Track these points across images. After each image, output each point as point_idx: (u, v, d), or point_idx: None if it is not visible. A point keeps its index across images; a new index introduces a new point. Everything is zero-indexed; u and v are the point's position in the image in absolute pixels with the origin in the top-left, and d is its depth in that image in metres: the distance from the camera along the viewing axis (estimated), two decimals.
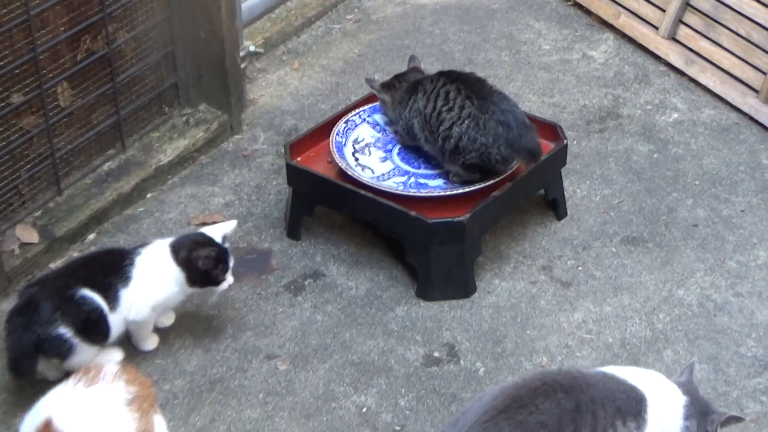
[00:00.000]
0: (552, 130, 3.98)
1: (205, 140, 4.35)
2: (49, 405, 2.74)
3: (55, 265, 3.82)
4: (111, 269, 3.41)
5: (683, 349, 3.56)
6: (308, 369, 3.50)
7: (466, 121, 3.70)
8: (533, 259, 3.89)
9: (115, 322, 3.39)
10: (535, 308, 3.71)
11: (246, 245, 3.98)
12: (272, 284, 3.82)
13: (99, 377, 2.81)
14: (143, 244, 3.50)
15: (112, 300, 3.37)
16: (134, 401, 2.81)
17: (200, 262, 3.43)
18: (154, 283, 3.43)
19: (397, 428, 3.31)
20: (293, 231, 4.00)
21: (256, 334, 3.63)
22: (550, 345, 3.57)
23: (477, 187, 3.76)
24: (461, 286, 3.75)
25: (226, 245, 3.51)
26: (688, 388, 3.06)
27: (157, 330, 3.59)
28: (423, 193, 3.79)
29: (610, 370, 3.04)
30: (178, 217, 4.10)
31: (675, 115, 4.52)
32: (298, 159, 3.97)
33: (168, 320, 3.62)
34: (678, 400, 3.00)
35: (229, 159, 4.35)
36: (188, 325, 3.65)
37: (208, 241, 3.48)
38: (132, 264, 3.42)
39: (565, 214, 4.06)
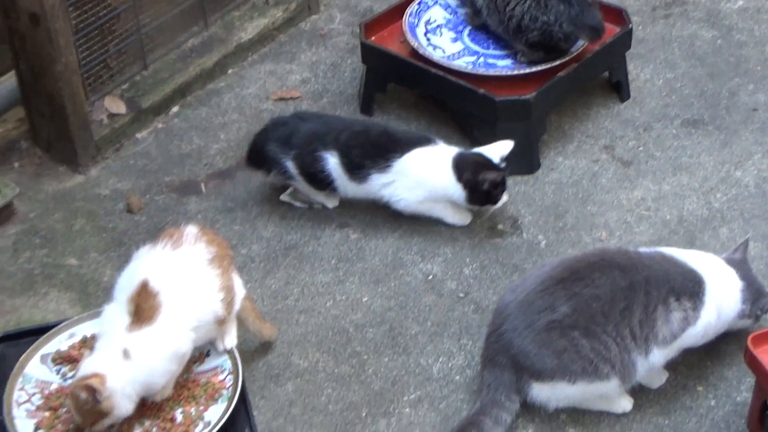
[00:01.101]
0: (617, 15, 4.10)
1: (283, 20, 4.53)
2: (143, 268, 2.94)
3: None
4: (375, 149, 3.61)
5: (738, 227, 3.69)
6: (378, 237, 3.70)
7: (528, 0, 3.84)
8: (595, 138, 4.04)
9: (344, 186, 3.64)
10: (596, 185, 3.86)
11: None
12: None
13: (182, 240, 3.02)
14: (419, 142, 3.65)
15: (358, 176, 3.61)
16: (215, 260, 3.02)
17: (486, 184, 3.56)
18: (423, 186, 3.62)
19: (461, 295, 3.51)
20: (366, 107, 4.18)
21: (339, 206, 3.82)
22: (610, 220, 3.73)
23: (543, 67, 3.91)
24: (526, 163, 3.91)
25: (503, 165, 3.63)
26: (744, 271, 3.20)
27: (238, 200, 3.81)
28: (491, 72, 3.94)
29: (670, 251, 3.18)
30: (257, 92, 4.29)
31: (740, 3, 4.60)
32: (373, 38, 4.13)
33: None
34: (735, 284, 3.15)
35: (306, 38, 4.52)
36: (266, 194, 3.86)
37: (491, 164, 3.60)
38: (398, 156, 3.60)
39: (628, 97, 4.19)
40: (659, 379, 3.20)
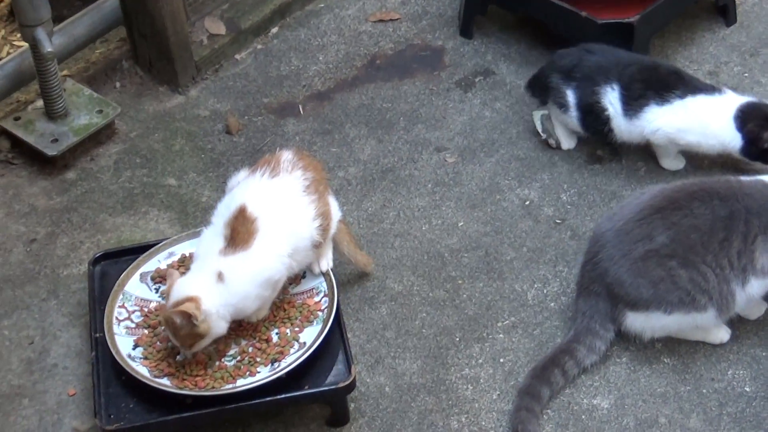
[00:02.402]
0: None
1: None
2: (241, 194, 2.97)
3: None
4: (659, 84, 3.50)
5: None
6: (475, 162, 3.69)
7: None
8: (699, 64, 3.95)
9: (622, 127, 3.54)
10: None
11: (420, 42, 4.14)
12: (444, 80, 3.99)
13: (280, 167, 3.03)
14: (706, 89, 3.51)
15: (633, 110, 3.51)
16: (311, 185, 3.03)
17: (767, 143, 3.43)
18: (696, 124, 3.47)
19: (558, 221, 3.48)
20: (466, 29, 4.14)
21: (426, 127, 3.81)
22: None
23: None
24: None
25: None
26: None
27: (335, 122, 3.82)
28: None
29: None
30: (356, 13, 4.27)
31: None
32: None
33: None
34: None
35: None
36: (363, 117, 3.86)
37: None
38: (680, 96, 3.48)
39: (735, 21, 4.08)
40: (758, 310, 3.15)
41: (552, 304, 3.24)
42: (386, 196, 3.59)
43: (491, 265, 3.36)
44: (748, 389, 3.01)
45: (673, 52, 4.00)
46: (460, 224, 3.49)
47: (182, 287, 2.85)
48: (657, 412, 2.97)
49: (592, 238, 3.12)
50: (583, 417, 2.98)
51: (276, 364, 2.91)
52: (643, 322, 3.01)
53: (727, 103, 3.46)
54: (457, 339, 3.18)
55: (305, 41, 4.16)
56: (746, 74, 3.89)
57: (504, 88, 3.93)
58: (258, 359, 2.94)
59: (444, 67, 4.04)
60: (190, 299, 2.80)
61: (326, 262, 3.11)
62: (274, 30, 4.20)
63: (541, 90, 3.69)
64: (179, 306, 2.80)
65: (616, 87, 3.52)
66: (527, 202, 3.54)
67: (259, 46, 4.15)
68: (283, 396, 2.88)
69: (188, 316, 2.78)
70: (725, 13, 4.08)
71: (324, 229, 3.03)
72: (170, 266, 3.14)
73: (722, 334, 3.10)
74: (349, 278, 3.32)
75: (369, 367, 3.13)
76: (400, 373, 3.11)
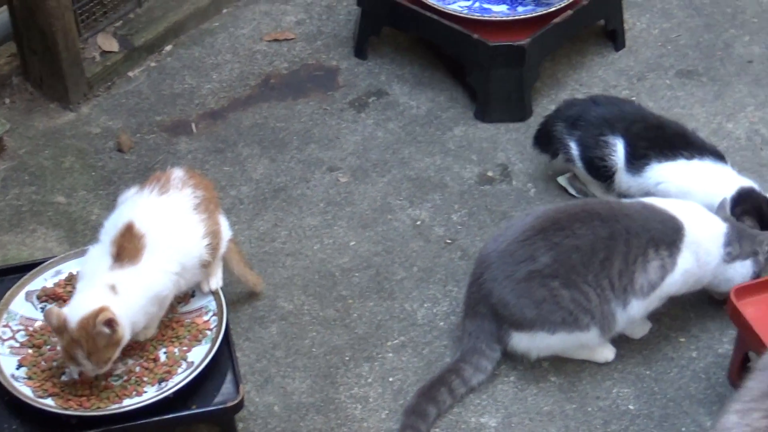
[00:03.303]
0: None
1: None
2: (129, 210, 2.94)
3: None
4: (664, 144, 3.43)
5: None
6: (367, 182, 3.70)
7: None
8: (589, 87, 4.02)
9: (624, 179, 3.48)
10: None
11: (315, 62, 4.15)
12: (338, 100, 4.00)
13: (169, 184, 3.02)
14: (712, 155, 3.43)
15: (638, 168, 3.45)
16: (201, 203, 3.01)
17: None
18: (689, 191, 3.37)
19: (448, 241, 3.51)
20: (360, 50, 4.16)
21: (320, 147, 3.82)
22: None
23: (539, 13, 3.88)
24: (518, 110, 3.90)
25: None
26: (730, 218, 3.21)
27: (228, 141, 3.82)
28: (486, 17, 3.91)
29: (651, 200, 3.19)
30: (251, 32, 4.27)
31: None
32: None
33: None
34: (718, 229, 3.14)
35: None
36: (256, 136, 3.85)
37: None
38: (686, 158, 3.40)
39: (623, 46, 4.16)
40: (642, 329, 3.21)
41: (441, 324, 3.27)
42: (278, 215, 3.59)
43: (382, 285, 3.38)
44: (631, 407, 3.05)
45: (564, 75, 4.06)
46: (351, 244, 3.50)
47: (80, 305, 2.79)
48: (543, 431, 3.01)
49: (477, 259, 3.15)
50: None
51: (163, 384, 2.89)
52: (528, 342, 3.04)
53: (729, 181, 3.38)
54: (347, 358, 3.19)
55: (199, 59, 4.15)
56: (634, 98, 3.96)
57: (397, 108, 3.96)
58: (145, 379, 2.91)
59: (338, 87, 4.05)
60: (100, 310, 2.75)
61: (216, 281, 3.10)
62: (168, 48, 4.18)
63: (547, 142, 3.63)
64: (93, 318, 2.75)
65: (621, 141, 3.47)
66: (418, 222, 3.57)
67: (153, 64, 4.13)
68: (170, 416, 2.85)
69: (111, 322, 2.74)
70: (614, 38, 4.16)
71: (213, 248, 3.02)
72: (58, 285, 3.10)
73: (607, 353, 3.14)
74: (239, 297, 3.31)
75: (258, 386, 3.12)
76: (290, 392, 3.11)
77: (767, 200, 3.35)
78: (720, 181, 3.37)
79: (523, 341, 3.05)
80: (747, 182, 3.38)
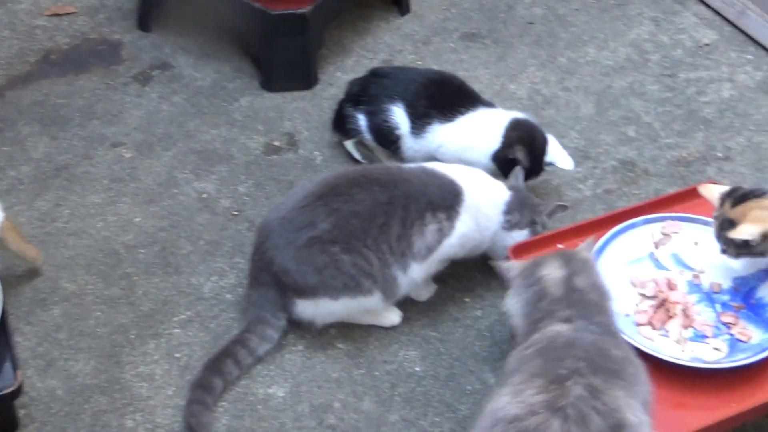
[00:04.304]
0: None
1: None
2: None
3: None
4: (445, 102, 3.42)
5: None
6: (152, 157, 3.64)
7: None
8: (375, 53, 4.03)
9: (410, 145, 3.47)
10: None
11: (97, 36, 4.07)
12: (121, 74, 3.92)
13: None
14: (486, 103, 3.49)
15: (419, 129, 3.44)
16: None
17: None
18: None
19: (235, 213, 3.48)
20: (144, 23, 4.09)
21: (102, 122, 3.74)
22: None
23: None
24: (303, 78, 3.89)
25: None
26: (516, 186, 3.24)
27: (7, 120, 3.70)
28: None
29: (432, 165, 3.20)
30: (30, 7, 4.17)
31: None
32: None
33: None
34: (500, 196, 3.18)
35: None
36: (36, 114, 3.75)
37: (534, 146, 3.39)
38: (461, 114, 3.42)
39: (408, 10, 4.19)
40: (427, 292, 3.24)
41: (228, 296, 3.24)
42: (60, 194, 3.50)
43: (168, 260, 3.33)
44: (418, 369, 3.08)
45: (349, 41, 4.06)
46: (136, 220, 3.44)
47: None
48: (332, 397, 3.01)
49: (259, 228, 3.13)
50: (259, 407, 2.98)
51: None
52: (313, 309, 3.04)
53: (505, 115, 3.44)
54: (133, 336, 3.13)
55: None
56: (419, 62, 3.99)
57: (182, 81, 3.90)
58: None
59: (121, 61, 3.97)
60: None
61: None
62: None
63: (342, 123, 3.61)
64: None
65: (401, 105, 3.47)
66: (204, 195, 3.52)
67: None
68: None
69: None
70: (399, 3, 4.18)
71: None
72: None
73: (393, 317, 3.16)
74: (18, 280, 3.22)
75: (40, 371, 3.04)
76: (73, 375, 3.04)
77: (541, 131, 3.41)
78: (495, 121, 3.41)
79: (307, 308, 3.04)
80: (521, 115, 3.44)
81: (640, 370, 2.47)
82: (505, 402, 2.32)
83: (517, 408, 2.29)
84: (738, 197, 2.82)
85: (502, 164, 3.37)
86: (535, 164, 3.37)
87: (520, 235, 3.18)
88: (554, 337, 2.48)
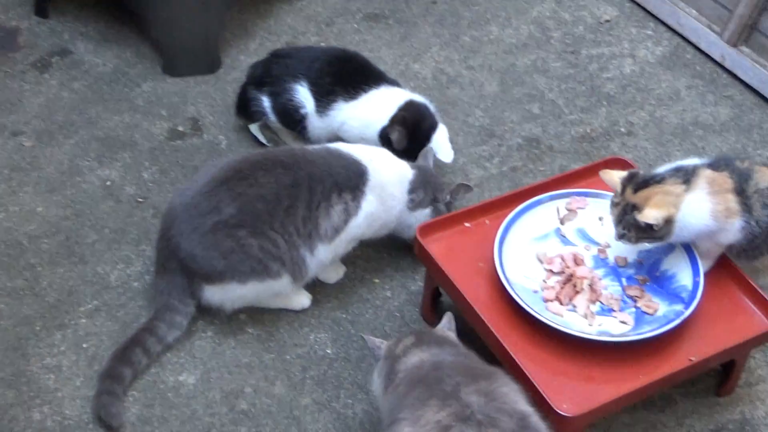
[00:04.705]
0: None
1: None
2: None
3: None
4: (349, 80, 3.39)
5: None
6: (54, 145, 3.58)
7: None
8: (278, 35, 4.00)
9: (315, 124, 3.44)
10: None
11: None
12: (19, 62, 3.85)
13: None
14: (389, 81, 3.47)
15: (324, 107, 3.40)
16: None
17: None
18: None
19: (140, 200, 3.44)
20: (41, 8, 4.01)
21: (1, 111, 3.67)
22: None
23: None
24: (206, 62, 3.85)
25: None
26: (421, 166, 3.25)
27: None
28: None
29: (336, 145, 3.18)
30: None
31: None
32: None
33: None
34: (404, 175, 3.17)
35: None
36: None
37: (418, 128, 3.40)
38: (364, 91, 3.40)
39: None
40: (337, 274, 3.23)
41: (135, 284, 3.20)
42: None
43: (72, 250, 3.28)
44: (329, 351, 3.07)
45: (252, 24, 4.03)
46: (39, 209, 3.38)
47: None
48: (243, 383, 2.99)
49: (164, 213, 3.09)
50: (170, 395, 2.95)
51: None
52: (221, 295, 3.01)
53: (404, 96, 3.43)
54: (38, 328, 3.08)
55: None
56: (323, 43, 3.97)
57: (82, 67, 3.84)
58: None
59: (18, 48, 3.90)
60: None
61: None
62: None
63: (245, 107, 3.57)
64: None
65: (305, 84, 3.44)
66: (108, 183, 3.48)
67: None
68: None
69: None
70: None
71: None
72: None
73: (303, 300, 3.15)
74: None
75: None
76: None
77: (430, 117, 3.41)
78: (392, 100, 3.40)
79: (216, 294, 3.01)
80: (420, 99, 3.43)
81: (502, 372, 2.52)
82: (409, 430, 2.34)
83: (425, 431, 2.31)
84: (640, 183, 2.85)
85: (385, 143, 3.37)
86: (413, 147, 3.37)
87: (423, 215, 3.19)
88: (418, 365, 2.53)
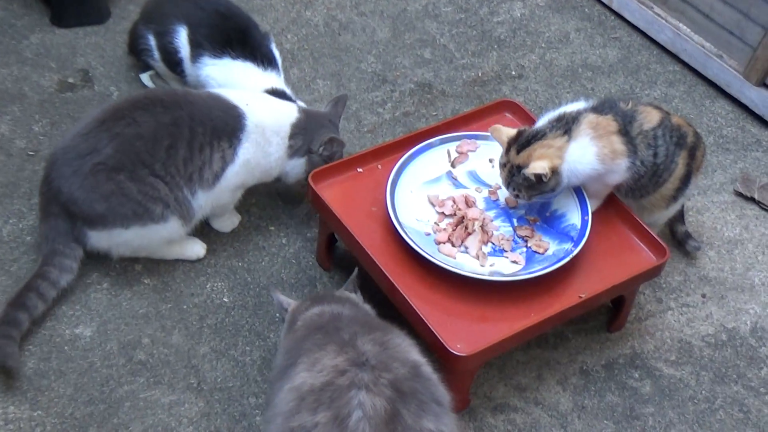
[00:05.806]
0: None
1: None
2: None
3: None
4: (221, 38, 3.34)
5: (309, 66, 3.76)
6: None
7: None
8: None
9: (188, 71, 3.41)
10: None
11: None
12: None
13: None
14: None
15: (194, 56, 3.36)
16: None
17: None
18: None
19: (31, 153, 3.40)
20: None
21: None
22: None
23: None
24: (95, 12, 3.80)
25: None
26: (309, 111, 3.20)
27: None
28: None
29: (219, 91, 3.11)
30: None
31: None
32: None
33: None
34: (285, 120, 3.11)
35: None
36: None
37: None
38: (231, 57, 3.34)
39: None
40: (231, 223, 3.24)
41: (28, 239, 3.17)
42: None
43: None
44: (226, 300, 3.09)
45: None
46: None
47: None
48: (140, 333, 2.99)
49: (46, 159, 3.04)
50: (66, 348, 2.94)
51: None
52: (107, 240, 2.97)
53: (264, 82, 3.35)
54: None
55: None
56: None
57: None
58: None
59: None
60: None
61: None
62: None
63: (135, 44, 3.52)
64: None
65: (183, 29, 3.40)
66: None
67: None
68: None
69: None
70: None
71: None
72: None
73: (198, 249, 3.15)
74: None
75: None
76: None
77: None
78: (254, 83, 3.34)
79: (101, 239, 2.97)
80: (281, 86, 3.37)
81: (397, 328, 2.57)
82: (305, 376, 2.36)
83: (321, 376, 2.34)
84: (522, 143, 2.89)
85: None
86: None
87: (299, 164, 3.15)
88: (319, 314, 2.58)
